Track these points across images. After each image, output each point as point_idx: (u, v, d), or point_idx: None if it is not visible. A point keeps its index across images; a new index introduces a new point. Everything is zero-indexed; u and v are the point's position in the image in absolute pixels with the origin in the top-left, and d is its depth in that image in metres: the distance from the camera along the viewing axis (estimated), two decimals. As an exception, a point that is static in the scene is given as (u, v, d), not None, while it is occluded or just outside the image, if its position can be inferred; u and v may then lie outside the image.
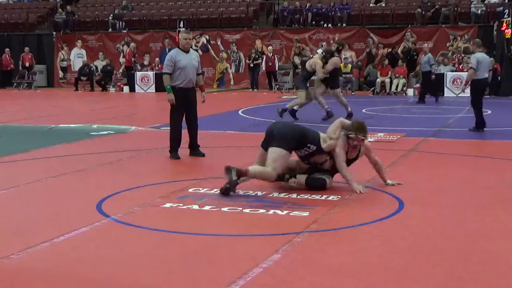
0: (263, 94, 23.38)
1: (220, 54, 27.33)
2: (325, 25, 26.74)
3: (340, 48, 16.07)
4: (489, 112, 14.81)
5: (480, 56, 12.24)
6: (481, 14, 24.95)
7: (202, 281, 4.42)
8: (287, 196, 6.90)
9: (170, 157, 9.56)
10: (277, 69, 25.51)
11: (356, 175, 7.93)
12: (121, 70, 27.52)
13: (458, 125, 13.56)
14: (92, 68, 26.67)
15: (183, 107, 9.65)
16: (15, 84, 27.36)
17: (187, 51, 9.55)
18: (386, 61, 23.56)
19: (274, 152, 7.04)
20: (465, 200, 6.86)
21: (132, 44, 26.66)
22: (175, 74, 9.45)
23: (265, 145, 7.22)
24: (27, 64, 27.48)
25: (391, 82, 23.17)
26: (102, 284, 4.38)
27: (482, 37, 24.19)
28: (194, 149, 9.82)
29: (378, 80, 23.22)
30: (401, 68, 23.11)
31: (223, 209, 6.35)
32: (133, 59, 26.30)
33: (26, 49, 27.62)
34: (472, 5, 25.34)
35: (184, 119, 9.79)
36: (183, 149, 9.81)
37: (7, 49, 28.12)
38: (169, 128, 9.88)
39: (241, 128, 13.09)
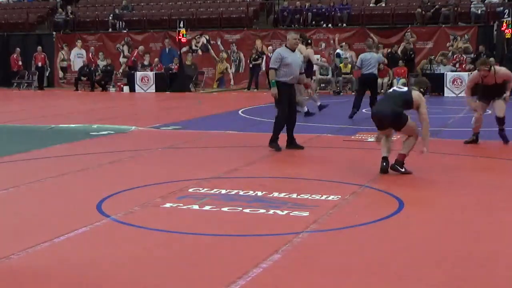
0: (263, 94, 23.35)
1: (220, 54, 27.33)
2: (325, 25, 26.73)
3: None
4: (489, 112, 14.80)
5: (364, 56, 14.93)
6: (481, 14, 24.96)
7: (202, 281, 4.42)
8: (287, 196, 6.90)
9: (270, 147, 10.04)
10: (277, 69, 25.49)
11: (356, 175, 7.93)
12: (121, 70, 27.53)
13: (458, 125, 13.55)
14: (92, 68, 26.66)
15: (287, 100, 10.08)
16: (15, 84, 27.37)
17: (293, 50, 10.18)
18: (385, 61, 23.56)
19: (405, 128, 8.12)
20: (465, 200, 6.87)
21: (141, 47, 26.63)
22: (282, 70, 9.99)
23: (385, 128, 8.17)
24: (39, 64, 27.33)
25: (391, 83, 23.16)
26: (102, 284, 4.38)
27: (482, 37, 24.29)
28: (291, 143, 10.22)
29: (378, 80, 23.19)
30: (401, 69, 23.10)
31: (223, 209, 6.35)
32: (133, 59, 26.33)
33: (39, 48, 27.52)
34: (472, 5, 25.34)
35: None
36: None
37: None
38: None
39: (241, 128, 13.09)
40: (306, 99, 15.42)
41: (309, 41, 16.42)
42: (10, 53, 28.69)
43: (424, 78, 9.70)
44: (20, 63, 27.45)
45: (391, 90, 8.60)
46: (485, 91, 10.53)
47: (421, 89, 8.31)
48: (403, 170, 8.07)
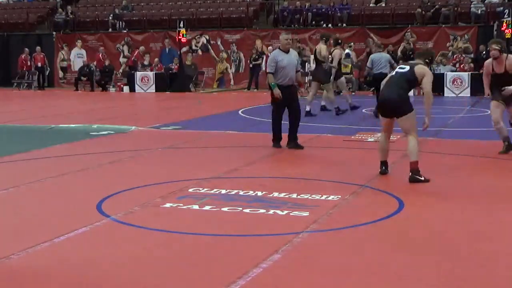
0: (263, 94, 23.36)
1: (220, 54, 27.34)
2: (325, 25, 26.73)
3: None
4: (489, 112, 14.81)
5: (375, 56, 15.32)
6: (481, 14, 24.97)
7: (202, 281, 4.42)
8: (287, 196, 6.90)
9: (272, 146, 10.33)
10: (277, 69, 25.50)
11: (356, 175, 7.91)
12: (121, 70, 27.51)
13: (458, 125, 13.56)
14: (92, 68, 26.67)
15: (285, 102, 10.26)
16: (15, 84, 27.36)
17: (287, 51, 10.29)
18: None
19: (406, 119, 7.80)
20: (465, 200, 6.87)
21: (142, 48, 26.63)
22: (277, 73, 10.17)
23: (389, 116, 7.96)
24: (39, 64, 27.16)
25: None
26: (102, 284, 4.38)
27: (482, 37, 24.29)
28: (293, 142, 10.32)
29: (378, 80, 23.21)
30: (401, 69, 23.09)
31: (223, 209, 6.35)
32: (134, 59, 26.34)
33: (38, 48, 27.45)
34: (472, 5, 25.35)
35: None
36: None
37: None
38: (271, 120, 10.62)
39: (241, 128, 13.09)
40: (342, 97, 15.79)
41: (339, 41, 16.43)
42: (10, 53, 28.71)
43: (429, 49, 9.44)
44: (29, 63, 27.37)
45: (393, 73, 8.21)
46: (497, 82, 9.50)
47: (426, 60, 7.95)
48: (423, 178, 7.59)
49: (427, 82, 7.73)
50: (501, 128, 9.55)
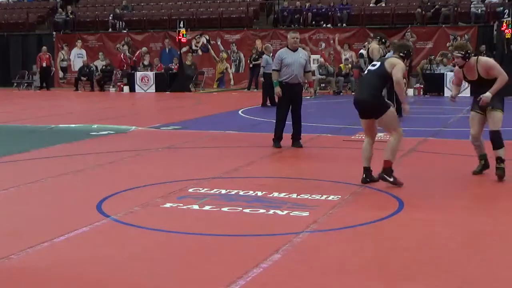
0: (263, 94, 23.39)
1: (220, 54, 27.36)
2: (325, 25, 26.75)
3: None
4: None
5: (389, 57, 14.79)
6: (481, 14, 24.98)
7: (202, 281, 4.42)
8: (287, 196, 6.90)
9: (272, 146, 10.33)
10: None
11: (356, 175, 7.90)
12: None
13: (458, 125, 13.55)
14: (92, 68, 26.66)
15: (288, 100, 10.35)
16: (15, 84, 27.36)
17: (294, 50, 10.33)
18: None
19: (384, 119, 7.36)
20: (465, 201, 6.87)
21: (144, 49, 26.59)
22: (282, 70, 10.25)
23: (367, 117, 7.51)
24: (44, 64, 26.97)
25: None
26: (102, 284, 4.38)
27: (482, 37, 24.32)
28: (295, 141, 10.39)
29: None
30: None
31: (223, 209, 6.35)
32: (134, 59, 26.33)
33: (44, 48, 27.34)
34: (472, 5, 25.37)
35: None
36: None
37: None
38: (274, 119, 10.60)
39: (241, 128, 13.09)
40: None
41: (383, 40, 16.31)
42: (10, 53, 28.70)
43: (404, 42, 9.06)
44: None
45: (365, 71, 7.82)
46: (475, 90, 7.98)
47: (401, 54, 7.43)
48: (391, 179, 7.25)
49: (396, 71, 7.17)
50: (480, 145, 8.09)
